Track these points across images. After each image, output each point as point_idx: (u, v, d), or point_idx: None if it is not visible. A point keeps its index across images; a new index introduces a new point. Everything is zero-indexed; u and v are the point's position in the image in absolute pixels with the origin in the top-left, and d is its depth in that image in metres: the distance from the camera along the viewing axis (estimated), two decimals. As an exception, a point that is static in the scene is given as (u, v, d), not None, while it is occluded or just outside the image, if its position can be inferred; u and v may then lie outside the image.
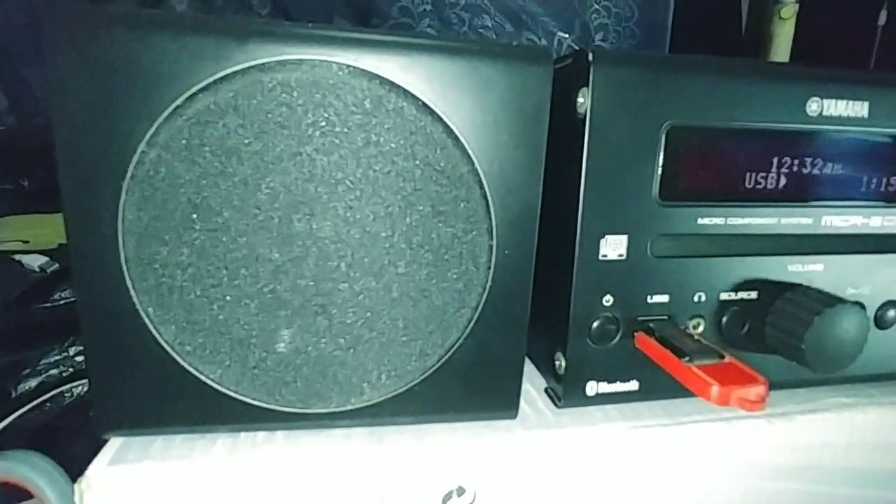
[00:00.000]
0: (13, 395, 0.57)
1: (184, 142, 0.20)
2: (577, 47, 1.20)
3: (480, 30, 1.13)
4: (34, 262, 0.65)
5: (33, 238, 0.68)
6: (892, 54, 0.98)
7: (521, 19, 1.16)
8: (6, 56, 0.83)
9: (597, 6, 1.19)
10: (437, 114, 0.22)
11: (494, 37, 1.14)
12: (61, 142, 0.20)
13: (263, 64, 0.20)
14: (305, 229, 0.22)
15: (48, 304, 0.62)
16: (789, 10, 0.88)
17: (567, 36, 1.18)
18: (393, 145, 0.22)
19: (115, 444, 0.24)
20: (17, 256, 0.66)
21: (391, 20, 1.08)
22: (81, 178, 0.20)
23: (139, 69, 0.20)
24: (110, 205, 0.21)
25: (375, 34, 0.21)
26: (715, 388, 0.22)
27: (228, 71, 0.20)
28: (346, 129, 0.21)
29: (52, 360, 0.60)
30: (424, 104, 0.22)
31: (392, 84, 0.21)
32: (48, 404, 0.59)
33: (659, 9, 1.22)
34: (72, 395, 0.60)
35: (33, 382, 0.59)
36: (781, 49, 0.92)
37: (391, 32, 0.22)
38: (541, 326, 0.29)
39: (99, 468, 0.23)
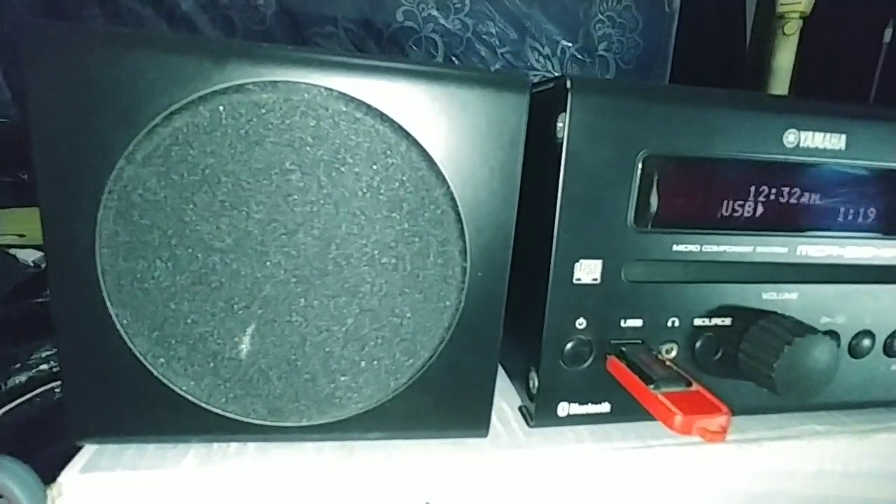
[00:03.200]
0: (2, 389, 0.57)
1: (161, 159, 0.21)
2: (580, 56, 1.20)
3: (484, 36, 1.14)
4: (29, 256, 0.65)
5: (29, 232, 0.68)
6: (897, 71, 0.98)
7: (526, 27, 1.16)
8: (11, 50, 0.84)
9: (601, 16, 1.19)
10: (412, 137, 0.22)
11: (499, 43, 1.14)
12: (40, 154, 0.20)
13: (241, 85, 0.21)
14: (281, 248, 0.22)
15: (41, 300, 0.62)
16: (793, 26, 0.88)
17: (571, 45, 1.18)
18: (368, 167, 0.22)
19: (88, 450, 0.25)
20: (11, 250, 0.66)
21: (395, 24, 1.09)
22: (59, 190, 0.21)
23: (118, 87, 0.20)
24: (88, 217, 0.21)
25: (354, 57, 0.22)
26: (678, 417, 0.22)
27: (206, 91, 0.20)
28: (321, 151, 0.21)
29: (42, 355, 0.61)
30: (400, 127, 0.22)
31: (368, 107, 0.22)
32: (37, 399, 0.59)
33: (663, 20, 1.22)
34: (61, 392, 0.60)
35: (23, 377, 0.60)
36: (784, 64, 0.92)
37: (370, 56, 0.22)
38: (517, 345, 0.29)
39: (71, 475, 0.23)
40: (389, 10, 1.08)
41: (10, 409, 0.57)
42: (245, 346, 0.23)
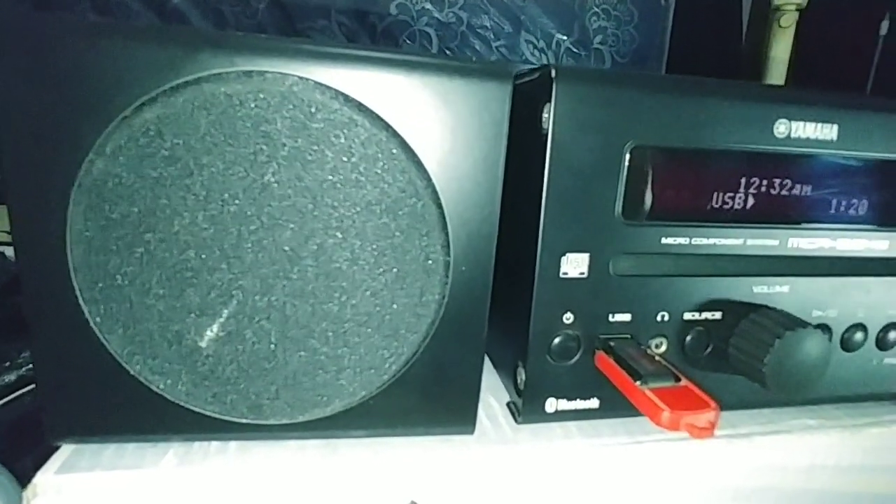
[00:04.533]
0: (-9, 387, 0.57)
1: (132, 152, 0.20)
2: (575, 49, 1.20)
3: (479, 30, 1.13)
4: (17, 254, 0.65)
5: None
6: (894, 64, 0.97)
7: (520, 20, 1.15)
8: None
9: (596, 9, 1.18)
10: (392, 128, 0.22)
11: (493, 37, 1.14)
12: (7, 147, 0.20)
13: (214, 75, 0.20)
14: (257, 243, 0.22)
15: (29, 298, 0.61)
16: (789, 19, 0.87)
17: (566, 38, 1.18)
18: (346, 159, 0.21)
19: (66, 450, 0.24)
20: (0, 248, 0.66)
21: (389, 18, 1.08)
22: (28, 184, 0.20)
23: (88, 77, 0.19)
24: (57, 213, 0.20)
25: (330, 46, 0.21)
26: (665, 413, 0.21)
27: (178, 81, 0.20)
28: (297, 142, 0.21)
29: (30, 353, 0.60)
30: (379, 118, 0.21)
31: (346, 97, 0.21)
32: (27, 398, 0.59)
33: (658, 13, 1.22)
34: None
35: (12, 376, 0.59)
36: (781, 57, 0.91)
37: (346, 45, 0.21)
38: (505, 340, 0.29)
39: (46, 476, 0.23)
40: (383, 4, 1.07)
41: (-1, 408, 0.56)
42: (207, 339, 0.22)
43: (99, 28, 0.19)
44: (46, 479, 0.22)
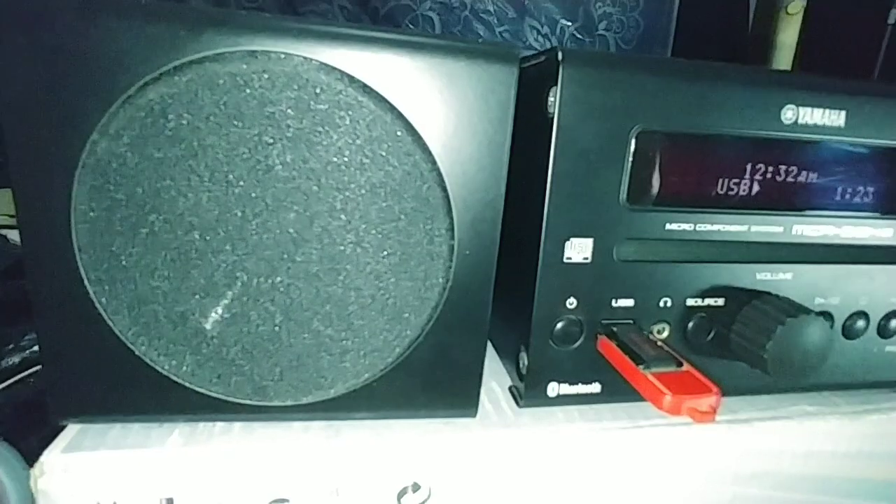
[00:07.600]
0: (-5, 370, 0.57)
1: (136, 132, 0.20)
2: (580, 35, 1.18)
3: (482, 14, 1.11)
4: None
5: (21, 213, 0.67)
6: (901, 53, 0.96)
7: (524, 5, 1.14)
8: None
9: (602, -6, 1.17)
10: (397, 110, 0.21)
11: (497, 21, 1.12)
12: (9, 128, 0.20)
13: (218, 54, 0.20)
14: (261, 224, 0.22)
15: (32, 281, 0.61)
16: (797, 6, 0.86)
17: (570, 24, 1.16)
18: (350, 141, 0.21)
19: (72, 430, 0.24)
20: (2, 231, 0.66)
21: (392, 1, 1.06)
22: (32, 165, 0.20)
23: (90, 56, 0.19)
24: (61, 194, 0.20)
25: (336, 27, 0.21)
26: (667, 398, 0.22)
27: (182, 60, 0.20)
28: (302, 124, 0.21)
29: (35, 335, 0.60)
30: (384, 99, 0.21)
31: (351, 78, 0.21)
32: (31, 380, 0.59)
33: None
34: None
35: (16, 358, 0.60)
36: (787, 44, 0.90)
37: (352, 25, 0.21)
38: (507, 324, 0.29)
39: (53, 455, 0.23)
40: (386, -13, 1.06)
41: (3, 390, 0.57)
42: (211, 321, 0.22)
43: (101, 4, 0.19)
44: (53, 458, 0.23)
